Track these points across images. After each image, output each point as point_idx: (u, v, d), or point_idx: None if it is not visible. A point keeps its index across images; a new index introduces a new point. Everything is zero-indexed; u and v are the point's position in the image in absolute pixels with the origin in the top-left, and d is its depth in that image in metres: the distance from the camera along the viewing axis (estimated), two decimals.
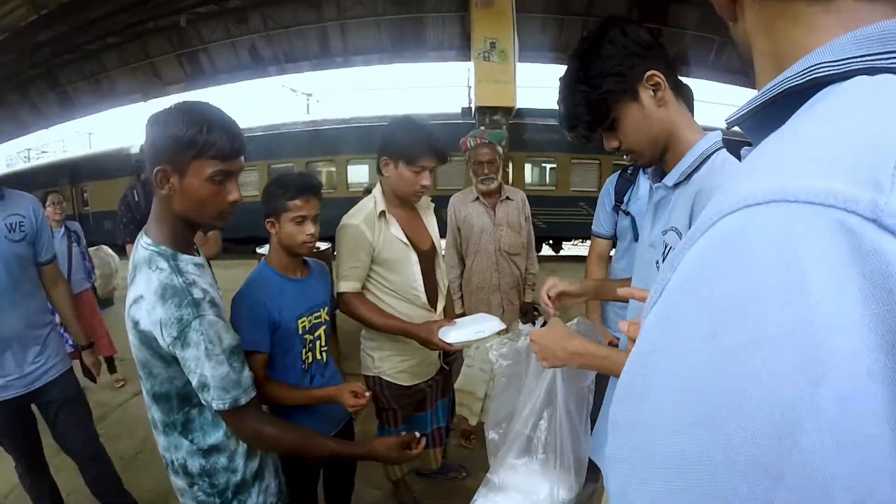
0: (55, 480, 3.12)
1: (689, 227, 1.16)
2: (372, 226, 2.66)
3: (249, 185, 18.48)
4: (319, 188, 2.34)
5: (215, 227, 1.81)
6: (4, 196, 2.77)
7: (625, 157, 1.61)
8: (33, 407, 2.89)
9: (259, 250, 4.60)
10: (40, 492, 3.08)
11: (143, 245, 1.67)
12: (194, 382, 1.60)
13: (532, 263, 4.18)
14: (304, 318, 2.35)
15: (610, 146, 1.58)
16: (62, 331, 3.25)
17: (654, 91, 1.47)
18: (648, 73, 1.45)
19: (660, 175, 1.65)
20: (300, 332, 2.34)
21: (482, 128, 4.19)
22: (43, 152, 34.11)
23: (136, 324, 1.60)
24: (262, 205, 2.34)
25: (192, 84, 17.85)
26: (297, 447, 1.87)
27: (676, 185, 1.55)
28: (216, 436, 1.77)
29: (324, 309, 2.47)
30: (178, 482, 1.86)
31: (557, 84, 1.59)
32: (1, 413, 2.76)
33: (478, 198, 3.96)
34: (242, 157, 1.68)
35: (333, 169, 16.88)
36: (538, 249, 15.75)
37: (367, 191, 3.72)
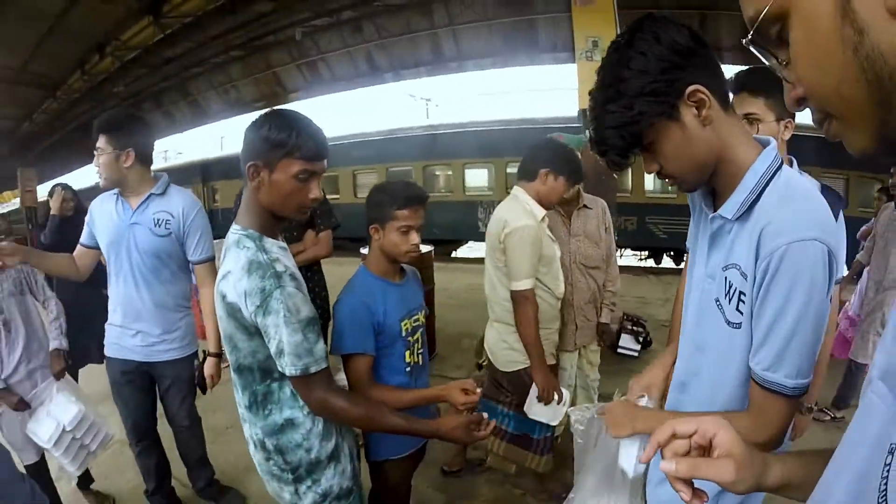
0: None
1: (755, 263, 1.29)
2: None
3: (368, 186, 19.40)
4: (426, 199, 2.40)
5: (296, 219, 1.97)
6: (166, 193, 3.18)
7: (666, 181, 1.46)
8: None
9: (364, 251, 4.91)
10: (148, 467, 3.53)
11: (232, 231, 1.90)
12: (272, 349, 1.77)
13: (613, 280, 3.96)
14: (406, 321, 2.44)
15: (649, 170, 1.43)
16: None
17: (697, 109, 1.31)
18: (690, 88, 1.28)
19: (710, 197, 1.54)
20: (403, 334, 2.41)
21: (557, 133, 3.98)
22: (178, 153, 36.95)
23: (223, 297, 1.79)
24: (366, 209, 2.42)
25: (313, 92, 18.74)
26: (364, 420, 1.95)
27: (737, 218, 1.39)
28: (292, 412, 1.93)
29: (421, 312, 2.57)
30: (257, 456, 2.03)
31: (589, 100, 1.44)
32: (119, 372, 3.25)
33: (553, 206, 3.79)
34: (325, 161, 1.87)
35: (450, 172, 17.31)
36: (658, 261, 15.46)
37: None
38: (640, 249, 15.59)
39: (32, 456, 3.25)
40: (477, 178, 16.88)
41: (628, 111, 1.29)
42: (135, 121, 3.15)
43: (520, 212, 3.10)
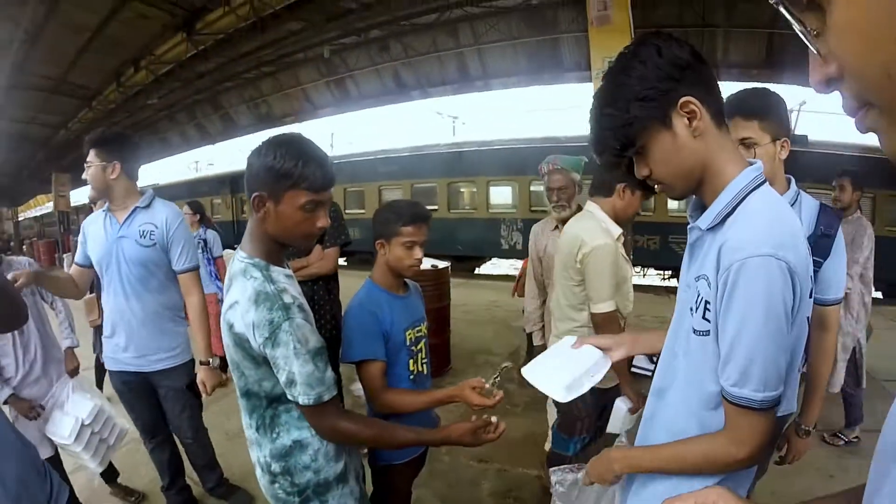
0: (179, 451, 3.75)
1: (717, 275, 1.32)
2: None
3: None
4: (429, 217, 2.49)
5: (302, 247, 2.11)
6: (151, 206, 3.29)
7: (655, 187, 1.52)
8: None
9: None
10: (161, 462, 3.68)
11: (238, 258, 1.87)
12: (282, 379, 1.74)
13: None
14: (410, 331, 2.52)
15: (640, 174, 1.48)
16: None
17: (688, 119, 1.36)
18: (683, 99, 1.34)
19: (699, 208, 1.55)
20: (407, 343, 2.51)
21: (554, 155, 3.97)
22: (210, 164, 37.65)
23: (230, 326, 1.77)
24: (372, 226, 2.51)
25: (341, 108, 19.12)
26: (376, 439, 1.99)
27: (710, 228, 1.43)
28: (300, 433, 1.90)
29: (424, 323, 2.65)
30: (263, 479, 1.99)
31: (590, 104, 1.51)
32: (120, 382, 3.39)
33: (557, 226, 3.91)
34: (332, 189, 1.86)
35: (475, 189, 17.27)
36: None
37: None
38: (663, 269, 15.36)
39: (47, 451, 3.40)
40: (501, 195, 16.88)
41: (624, 114, 1.37)
42: (123, 137, 3.32)
43: (596, 230, 3.01)
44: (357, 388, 6.25)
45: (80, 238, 3.41)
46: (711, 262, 1.37)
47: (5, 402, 3.26)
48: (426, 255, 2.67)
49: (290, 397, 1.77)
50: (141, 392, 3.43)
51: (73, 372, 3.59)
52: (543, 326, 4.17)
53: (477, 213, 17.11)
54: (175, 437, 3.73)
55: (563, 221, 3.75)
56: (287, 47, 14.35)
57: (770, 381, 1.31)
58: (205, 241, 6.50)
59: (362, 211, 19.31)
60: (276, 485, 1.94)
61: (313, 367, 1.74)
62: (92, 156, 3.14)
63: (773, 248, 1.26)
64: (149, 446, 3.65)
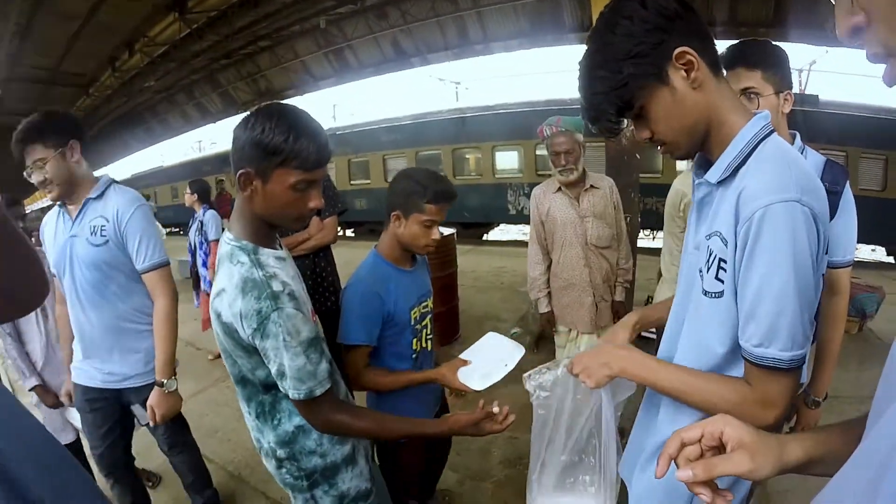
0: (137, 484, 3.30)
1: (735, 228, 1.25)
2: None
3: (398, 171, 19.51)
4: (455, 196, 2.38)
5: (293, 228, 1.94)
6: (104, 195, 2.77)
7: (658, 148, 1.44)
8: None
9: None
10: (123, 495, 3.17)
11: (225, 240, 1.76)
12: (273, 370, 1.66)
13: (625, 257, 3.97)
14: (416, 309, 2.49)
15: (641, 137, 1.41)
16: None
17: (686, 71, 1.29)
18: (678, 50, 1.27)
19: (704, 164, 1.48)
20: (412, 322, 2.47)
21: (556, 116, 3.79)
22: (213, 143, 37.81)
23: (218, 315, 1.67)
24: (389, 193, 2.40)
25: (341, 79, 18.91)
26: (371, 432, 1.91)
27: (720, 182, 1.37)
28: (301, 418, 1.83)
29: (429, 298, 2.63)
30: (268, 464, 1.95)
31: (578, 68, 1.41)
32: (85, 397, 2.90)
33: (560, 188, 3.82)
34: (327, 167, 1.71)
35: (479, 155, 17.20)
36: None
37: None
38: None
39: (69, 436, 3.48)
40: (506, 160, 16.81)
41: (617, 75, 1.29)
42: (62, 114, 2.77)
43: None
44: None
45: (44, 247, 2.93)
46: (726, 216, 1.30)
47: (31, 390, 3.32)
48: None
49: (281, 389, 1.72)
50: (106, 413, 2.96)
51: None
52: (550, 293, 4.03)
53: (483, 179, 17.07)
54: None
55: (568, 184, 3.75)
56: (282, 20, 14.36)
57: (797, 338, 1.24)
58: (201, 222, 6.40)
59: (367, 181, 19.41)
60: (283, 470, 1.91)
61: (304, 361, 1.66)
62: (39, 151, 2.60)
63: (797, 192, 1.19)
64: (108, 482, 3.12)
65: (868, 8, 0.60)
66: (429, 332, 2.66)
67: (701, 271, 1.40)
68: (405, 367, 2.50)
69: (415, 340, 2.53)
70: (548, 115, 4.07)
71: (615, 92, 1.32)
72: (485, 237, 18.32)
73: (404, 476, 2.68)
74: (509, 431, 4.19)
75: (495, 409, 2.00)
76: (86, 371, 2.87)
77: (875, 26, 0.61)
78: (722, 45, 1.63)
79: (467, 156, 17.73)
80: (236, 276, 1.64)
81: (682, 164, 13.48)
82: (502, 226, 19.01)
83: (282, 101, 1.76)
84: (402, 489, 2.67)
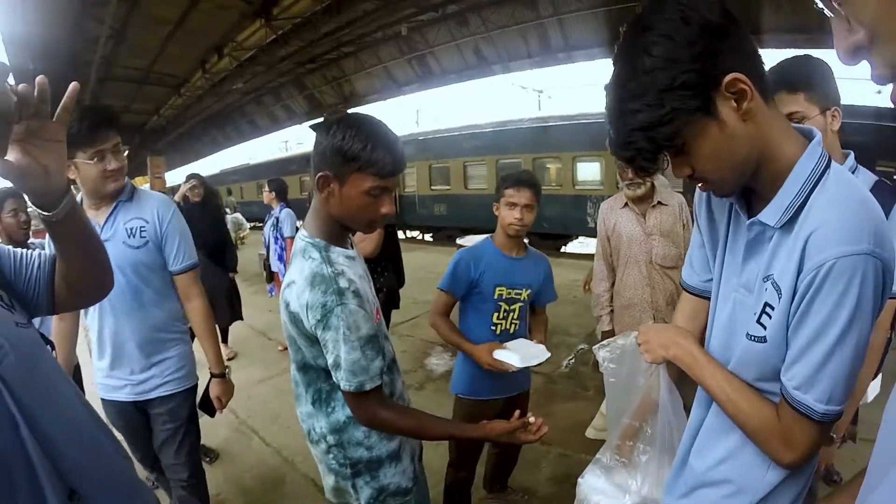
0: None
1: (797, 276, 1.17)
2: None
3: (478, 178, 19.62)
4: (532, 181, 2.92)
5: (365, 232, 1.96)
6: (133, 198, 2.72)
7: (698, 186, 1.33)
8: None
9: (459, 241, 5.30)
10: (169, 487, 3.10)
11: (300, 237, 1.90)
12: (329, 361, 1.75)
13: None
14: (502, 288, 2.99)
15: (681, 174, 1.26)
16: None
17: (736, 101, 1.13)
18: (729, 77, 1.10)
19: (743, 199, 1.38)
20: (495, 296, 2.98)
21: None
22: (299, 143, 38.92)
23: (287, 304, 1.79)
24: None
25: (424, 85, 19.20)
26: (412, 431, 1.96)
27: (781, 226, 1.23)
28: None
29: (525, 290, 3.04)
30: (315, 450, 2.05)
31: (605, 95, 1.25)
32: (115, 412, 2.82)
33: (626, 204, 3.77)
34: (399, 175, 1.85)
35: (560, 166, 16.94)
36: None
37: None
38: None
39: None
40: (587, 171, 16.48)
41: (658, 109, 1.12)
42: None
43: None
44: (429, 362, 6.68)
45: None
46: (787, 263, 1.19)
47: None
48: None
49: (334, 379, 1.79)
50: (137, 423, 2.90)
51: None
52: (612, 311, 3.99)
53: (563, 190, 16.75)
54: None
55: (635, 200, 3.71)
56: (365, 27, 14.57)
57: (836, 395, 1.17)
58: (277, 218, 6.71)
59: (447, 187, 19.57)
60: (330, 455, 1.98)
61: (360, 355, 1.73)
62: (114, 134, 2.56)
63: (869, 243, 1.09)
64: (151, 476, 3.18)
65: (870, 25, 0.57)
66: (516, 317, 3.06)
67: (757, 315, 1.29)
68: (484, 336, 2.96)
69: (495, 314, 3.01)
70: None
71: (656, 129, 1.14)
72: (563, 249, 17.96)
73: (460, 452, 3.24)
74: (561, 448, 4.27)
75: (531, 420, 2.00)
76: (114, 385, 2.79)
77: (879, 44, 0.58)
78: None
79: (548, 165, 17.51)
80: (307, 270, 1.75)
81: None
82: (581, 238, 18.58)
83: (362, 112, 1.89)
84: (458, 463, 3.26)
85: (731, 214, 1.44)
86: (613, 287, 3.96)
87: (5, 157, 1.08)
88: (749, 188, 1.33)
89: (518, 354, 2.78)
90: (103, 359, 2.76)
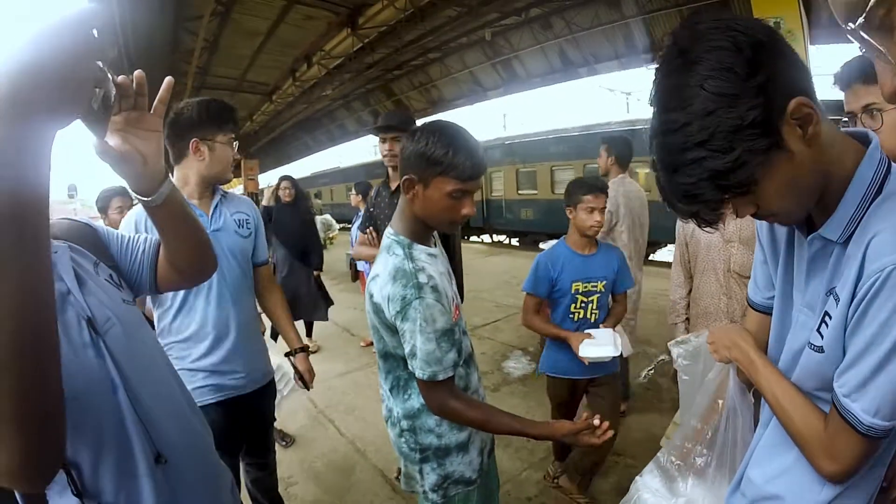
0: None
1: (857, 282, 1.08)
2: None
3: (565, 182, 19.17)
4: (605, 186, 3.28)
5: (447, 231, 2.08)
6: (227, 194, 2.83)
7: (759, 219, 1.23)
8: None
9: (542, 245, 5.40)
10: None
11: (387, 234, 2.02)
12: (406, 350, 1.86)
13: None
14: (579, 283, 3.34)
15: (744, 214, 1.14)
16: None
17: (801, 127, 1.01)
18: (794, 103, 0.98)
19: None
20: (572, 291, 3.34)
21: None
22: None
23: (371, 296, 1.92)
24: (564, 197, 3.38)
25: (509, 89, 19.20)
26: (478, 422, 1.98)
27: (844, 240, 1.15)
28: None
29: (601, 282, 3.39)
30: (391, 432, 2.16)
31: (652, 141, 1.10)
32: (222, 414, 2.66)
33: None
34: (481, 179, 1.91)
35: (648, 170, 15.76)
36: None
37: None
38: None
39: None
40: None
41: (727, 154, 0.98)
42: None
43: None
44: (506, 365, 6.75)
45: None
46: (849, 273, 1.12)
47: None
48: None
49: (410, 368, 1.89)
50: (241, 419, 2.82)
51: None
52: (688, 319, 3.91)
53: (651, 196, 15.89)
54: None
55: None
56: (448, 33, 14.80)
57: (885, 409, 1.09)
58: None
59: (535, 192, 19.52)
60: (402, 439, 2.09)
61: (435, 346, 1.82)
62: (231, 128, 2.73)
63: None
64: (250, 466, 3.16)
65: None
66: (595, 307, 3.42)
67: (817, 331, 1.22)
68: (567, 326, 3.38)
69: (573, 306, 3.37)
70: None
71: (727, 177, 1.01)
72: (651, 257, 17.46)
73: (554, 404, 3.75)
74: (631, 459, 4.35)
75: (596, 422, 1.96)
76: (221, 383, 2.69)
77: None
78: None
79: (636, 170, 16.95)
80: (390, 265, 1.88)
81: None
82: (670, 246, 18.21)
83: (445, 119, 1.97)
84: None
85: (786, 236, 1.40)
86: (690, 295, 3.89)
87: (105, 140, 1.18)
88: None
89: (596, 347, 3.13)
90: (210, 353, 2.66)
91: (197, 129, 2.56)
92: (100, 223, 1.88)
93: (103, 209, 4.30)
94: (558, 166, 18.70)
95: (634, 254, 4.98)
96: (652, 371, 3.27)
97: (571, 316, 3.40)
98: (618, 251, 3.56)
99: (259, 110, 21.46)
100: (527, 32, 15.88)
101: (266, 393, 2.95)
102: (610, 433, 1.97)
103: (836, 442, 1.17)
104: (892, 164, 1.13)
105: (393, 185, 3.72)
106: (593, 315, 3.43)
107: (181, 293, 2.60)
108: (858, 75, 1.90)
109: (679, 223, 3.78)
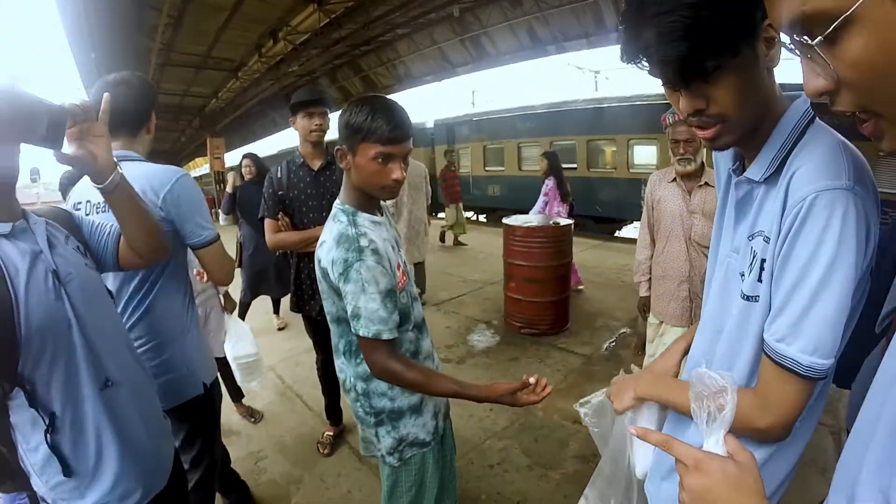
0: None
1: (781, 219, 1.16)
2: None
3: (532, 159, 19.07)
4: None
5: (385, 198, 2.13)
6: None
7: (701, 129, 1.23)
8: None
9: (505, 220, 5.45)
10: None
11: (335, 205, 2.13)
12: (349, 311, 1.94)
13: None
14: None
15: (691, 107, 1.17)
16: None
17: (766, 47, 1.10)
18: (767, 22, 1.06)
19: (738, 159, 1.40)
20: None
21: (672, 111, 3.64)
22: None
23: (319, 261, 2.03)
24: None
25: (478, 66, 19.17)
26: (418, 384, 2.03)
27: (765, 179, 1.24)
28: None
29: None
30: (348, 396, 2.25)
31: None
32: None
33: (675, 179, 3.84)
34: (407, 143, 1.99)
35: (615, 148, 16.57)
36: None
37: None
38: None
39: (220, 351, 4.10)
40: (644, 155, 16.01)
41: (716, 7, 1.03)
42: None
43: None
44: (471, 338, 6.93)
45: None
46: (771, 211, 1.19)
47: None
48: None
49: (353, 329, 1.96)
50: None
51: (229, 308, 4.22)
52: (650, 279, 4.12)
53: (617, 173, 16.46)
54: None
55: (685, 175, 3.77)
56: (417, 9, 14.87)
57: (823, 345, 1.12)
58: None
59: (501, 168, 19.70)
60: (358, 403, 2.20)
61: (379, 306, 1.91)
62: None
63: (850, 180, 1.09)
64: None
65: (851, 83, 0.66)
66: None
67: (742, 275, 1.29)
68: None
69: None
70: None
71: (741, 19, 1.06)
72: (617, 234, 17.64)
73: None
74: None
75: (531, 380, 2.05)
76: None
77: (850, 94, 0.67)
78: None
79: (603, 148, 17.21)
80: (335, 231, 1.99)
81: None
82: (636, 223, 18.30)
83: (371, 94, 2.10)
84: None
85: (725, 178, 1.48)
86: (653, 257, 4.07)
87: (62, 150, 1.57)
88: (740, 154, 1.38)
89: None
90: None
91: None
92: (67, 205, 2.37)
93: (65, 192, 4.43)
94: (525, 143, 18.84)
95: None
96: (614, 343, 3.33)
97: None
98: None
99: (225, 87, 21.17)
100: (496, 9, 15.88)
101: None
102: (549, 389, 2.06)
103: (774, 391, 1.18)
104: (817, 115, 1.22)
105: (315, 165, 3.86)
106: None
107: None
108: None
109: (647, 190, 4.01)
